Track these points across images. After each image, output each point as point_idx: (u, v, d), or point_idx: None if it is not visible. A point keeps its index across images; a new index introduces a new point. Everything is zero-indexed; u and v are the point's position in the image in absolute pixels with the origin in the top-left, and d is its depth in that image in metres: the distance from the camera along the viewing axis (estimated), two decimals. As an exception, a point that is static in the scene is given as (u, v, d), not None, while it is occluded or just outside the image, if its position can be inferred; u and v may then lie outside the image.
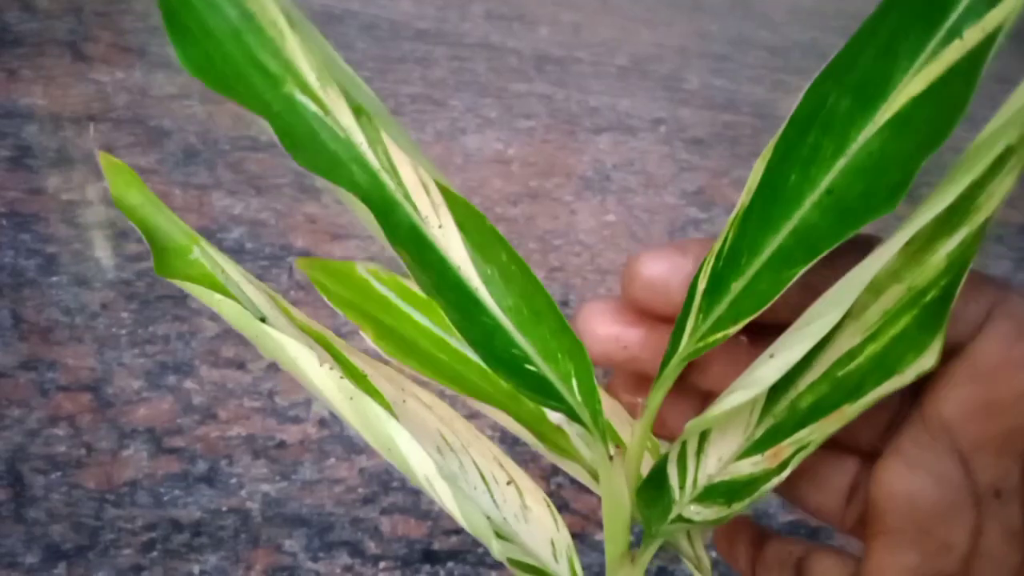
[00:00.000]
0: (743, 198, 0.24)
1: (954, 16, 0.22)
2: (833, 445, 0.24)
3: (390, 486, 0.89)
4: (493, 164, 1.52)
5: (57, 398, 0.93)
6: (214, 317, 1.08)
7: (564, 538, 0.27)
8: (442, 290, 0.25)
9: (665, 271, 0.24)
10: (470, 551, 0.83)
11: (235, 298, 0.25)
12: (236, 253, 1.20)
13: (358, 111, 0.26)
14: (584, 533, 0.86)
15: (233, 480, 0.88)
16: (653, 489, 0.25)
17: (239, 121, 1.54)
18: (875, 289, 0.23)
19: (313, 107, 0.26)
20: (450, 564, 0.81)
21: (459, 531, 0.87)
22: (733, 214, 0.24)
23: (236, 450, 0.91)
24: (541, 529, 0.27)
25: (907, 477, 0.23)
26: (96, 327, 1.04)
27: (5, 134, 1.41)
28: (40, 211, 1.23)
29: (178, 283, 0.24)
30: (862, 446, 0.25)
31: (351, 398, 0.22)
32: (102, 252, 1.16)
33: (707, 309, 0.23)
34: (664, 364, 0.24)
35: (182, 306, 1.08)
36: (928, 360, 0.22)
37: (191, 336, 1.04)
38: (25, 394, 0.92)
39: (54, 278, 1.10)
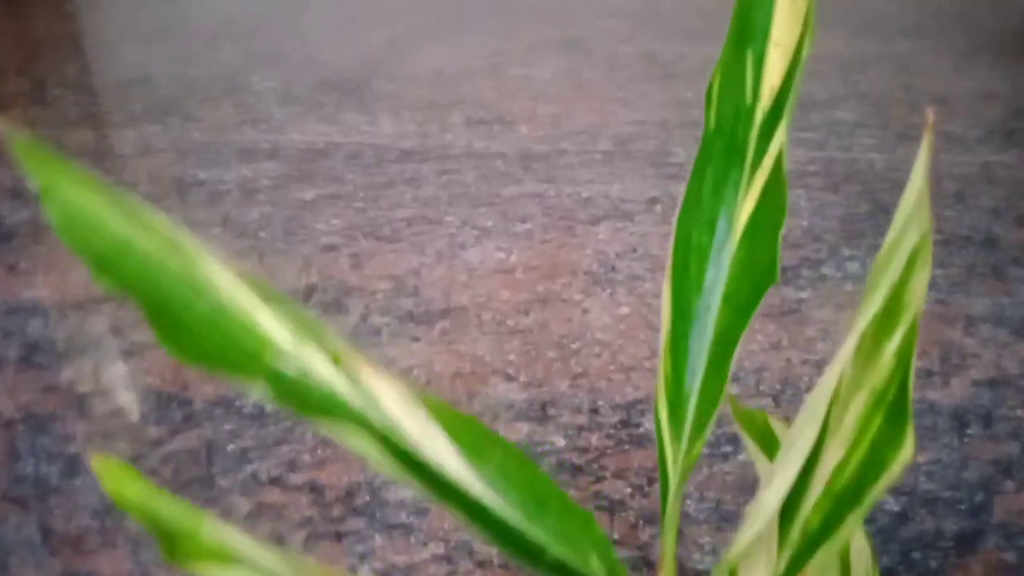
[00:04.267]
0: (665, 326, 0.30)
1: (750, 155, 0.31)
2: None
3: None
4: (497, 275, 1.51)
5: (98, 608, 0.90)
6: (245, 492, 1.06)
7: None
8: (448, 501, 0.27)
9: None
10: None
11: (249, 571, 0.25)
12: (257, 419, 1.19)
13: (336, 358, 0.28)
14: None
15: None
16: None
17: (240, 277, 1.54)
18: (843, 402, 0.27)
19: (292, 372, 0.27)
20: None
21: None
22: (663, 342, 0.30)
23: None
24: None
25: None
26: (128, 527, 1.02)
27: (11, 333, 1.41)
28: (56, 409, 1.22)
29: (190, 568, 0.25)
30: None
31: None
32: (123, 442, 1.15)
33: (676, 432, 0.28)
34: (663, 503, 0.28)
35: (210, 486, 1.06)
36: (907, 451, 0.26)
37: (225, 516, 1.02)
38: (65, 612, 0.90)
39: (79, 480, 1.09)
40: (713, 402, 0.28)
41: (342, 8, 3.60)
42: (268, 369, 0.27)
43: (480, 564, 0.94)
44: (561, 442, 1.13)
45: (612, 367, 1.27)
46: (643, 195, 1.77)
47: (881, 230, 1.61)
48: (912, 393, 0.25)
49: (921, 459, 1.08)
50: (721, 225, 0.30)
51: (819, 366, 1.24)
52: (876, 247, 1.57)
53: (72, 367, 1.31)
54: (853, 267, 1.50)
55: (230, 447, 1.13)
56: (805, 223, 1.65)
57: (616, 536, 0.98)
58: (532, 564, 0.27)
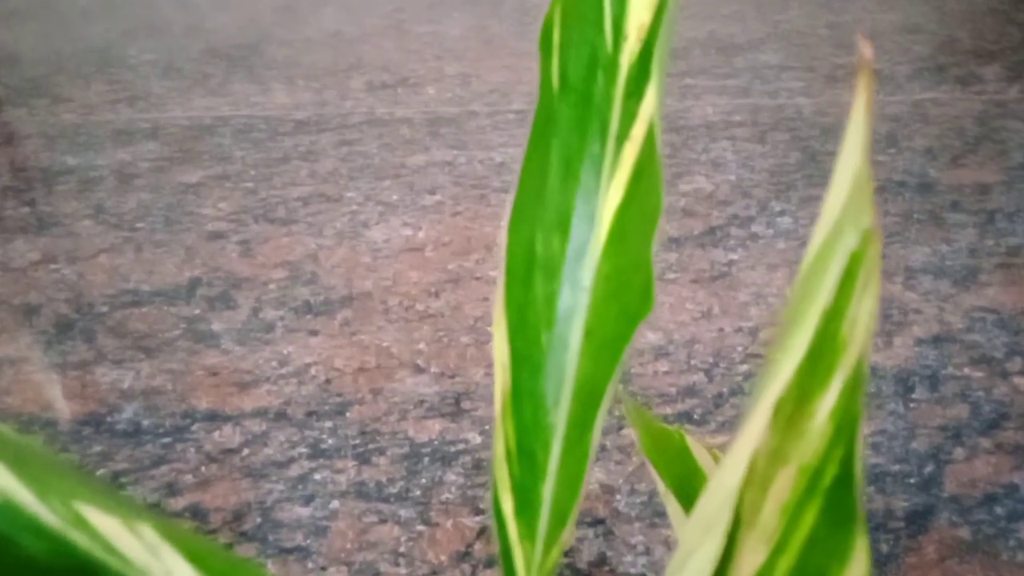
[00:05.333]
0: (500, 377, 0.22)
1: (614, 121, 0.22)
2: None
3: None
4: (405, 254, 1.38)
5: None
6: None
7: None
8: None
9: None
10: None
11: None
12: (132, 436, 1.04)
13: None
14: None
15: None
16: None
17: (115, 274, 1.38)
18: (760, 481, 0.19)
19: None
20: None
21: None
22: (498, 402, 0.22)
23: None
24: None
25: None
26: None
27: None
28: None
29: None
30: None
31: None
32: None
33: (526, 530, 0.21)
34: None
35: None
36: (859, 566, 0.18)
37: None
38: None
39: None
40: (575, 483, 0.21)
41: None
42: None
43: (387, 597, 0.82)
44: (477, 439, 1.01)
45: (532, 350, 1.15)
46: (560, 156, 1.65)
47: (813, 180, 1.51)
48: (862, 479, 0.17)
49: (866, 430, 0.99)
50: (577, 226, 0.22)
51: (753, 334, 1.14)
52: (808, 199, 1.47)
53: (-85, 393, 1.14)
54: (785, 223, 1.40)
55: (100, 471, 0.99)
56: (732, 177, 1.54)
57: (542, 549, 0.87)
58: None
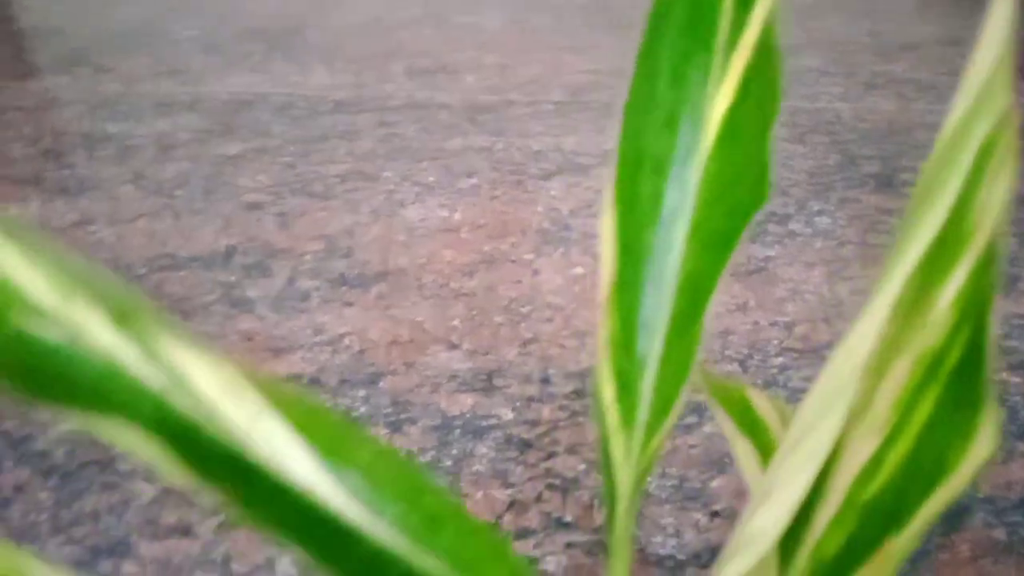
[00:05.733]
0: (606, 271, 0.22)
1: (724, 26, 0.22)
2: None
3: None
4: (440, 234, 1.38)
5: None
6: (149, 477, 0.92)
7: None
8: (292, 527, 0.19)
9: None
10: None
11: None
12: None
13: (123, 318, 0.20)
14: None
15: None
16: None
17: (153, 239, 1.39)
18: (875, 373, 0.18)
19: (54, 337, 0.19)
20: None
21: None
22: (604, 294, 0.22)
23: (192, 642, 0.75)
24: None
25: None
26: (10, 516, 0.88)
27: None
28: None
29: None
30: None
31: None
32: (10, 424, 1.00)
33: (626, 418, 0.20)
34: (610, 519, 0.21)
35: (110, 471, 0.92)
36: (984, 443, 0.17)
37: (124, 506, 0.89)
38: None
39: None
40: (680, 375, 0.21)
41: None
42: (16, 334, 0.19)
43: None
44: (509, 415, 1.01)
45: (565, 332, 1.15)
46: (598, 148, 1.65)
47: (852, 183, 1.51)
48: (992, 358, 0.16)
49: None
50: (685, 128, 0.22)
51: (788, 328, 1.14)
52: (846, 201, 1.46)
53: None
54: (823, 222, 1.39)
55: None
56: (770, 176, 1.54)
57: (569, 518, 0.87)
58: None
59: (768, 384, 1.04)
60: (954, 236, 0.17)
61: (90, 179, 1.58)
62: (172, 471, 0.19)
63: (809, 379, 1.06)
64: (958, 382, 0.18)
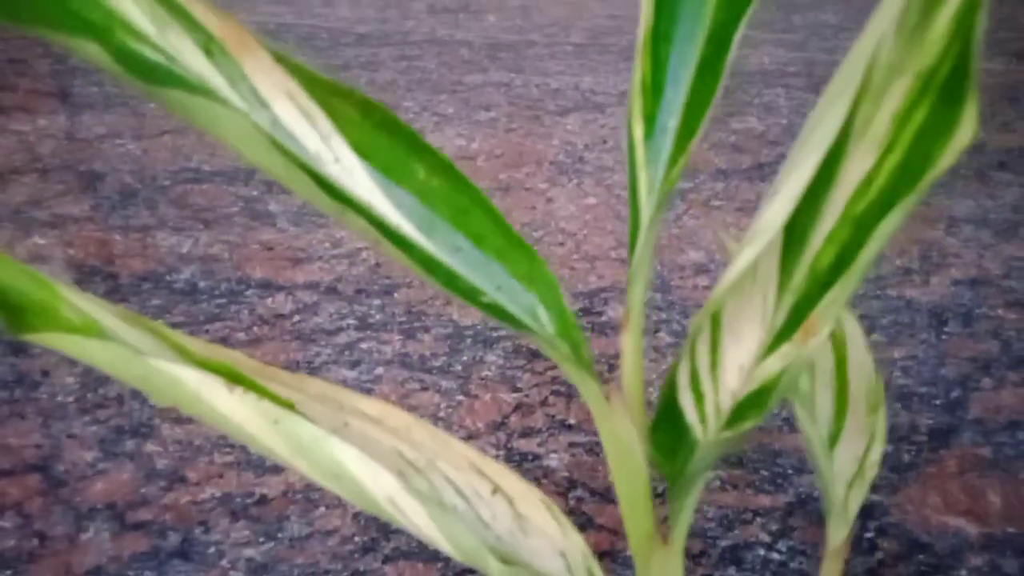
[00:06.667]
0: (644, 23, 0.23)
1: None
2: None
3: (391, 529, 0.78)
4: (457, 162, 1.41)
5: (0, 485, 0.81)
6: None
7: (576, 545, 0.23)
8: (360, 228, 0.23)
9: None
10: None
11: (111, 341, 0.22)
12: (189, 294, 1.09)
13: (209, 49, 0.23)
14: (614, 550, 0.75)
15: (211, 549, 0.76)
16: (668, 430, 0.22)
17: (178, 153, 1.42)
18: (875, 94, 0.19)
19: (153, 56, 0.22)
20: (470, 616, 0.70)
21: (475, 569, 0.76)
22: (640, 42, 0.23)
23: (211, 514, 0.80)
24: (545, 540, 0.24)
25: None
26: (39, 398, 0.92)
27: (-79, 201, 1.28)
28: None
29: (40, 340, 0.21)
30: None
31: (276, 421, 0.20)
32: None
33: (652, 153, 0.22)
34: (632, 243, 0.22)
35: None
36: (965, 130, 0.19)
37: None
38: (-41, 489, 0.80)
39: (-17, 351, 0.98)
40: (702, 108, 0.23)
41: None
42: (123, 52, 0.21)
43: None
44: (519, 330, 1.04)
45: (576, 256, 1.18)
46: (616, 88, 1.67)
47: (863, 130, 1.53)
48: (976, 63, 0.19)
49: (897, 355, 1.02)
50: None
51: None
52: (857, 147, 1.49)
53: (-15, 237, 1.19)
54: (833, 165, 1.42)
55: (157, 323, 1.03)
56: (784, 121, 1.56)
57: (572, 421, 0.91)
58: (470, 303, 0.22)
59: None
60: None
61: (117, 96, 1.61)
62: (275, 175, 0.22)
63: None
64: (949, 87, 0.19)
